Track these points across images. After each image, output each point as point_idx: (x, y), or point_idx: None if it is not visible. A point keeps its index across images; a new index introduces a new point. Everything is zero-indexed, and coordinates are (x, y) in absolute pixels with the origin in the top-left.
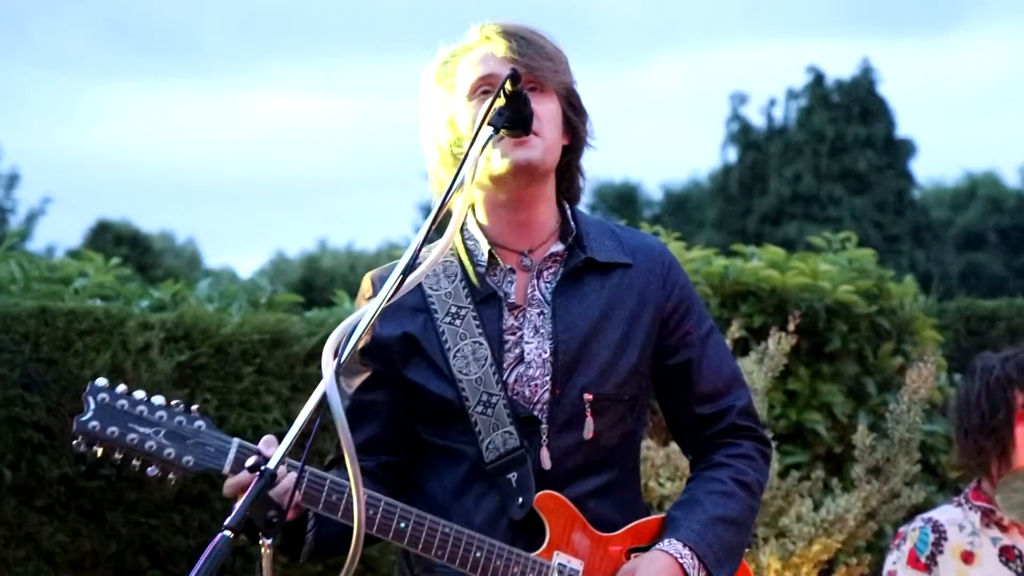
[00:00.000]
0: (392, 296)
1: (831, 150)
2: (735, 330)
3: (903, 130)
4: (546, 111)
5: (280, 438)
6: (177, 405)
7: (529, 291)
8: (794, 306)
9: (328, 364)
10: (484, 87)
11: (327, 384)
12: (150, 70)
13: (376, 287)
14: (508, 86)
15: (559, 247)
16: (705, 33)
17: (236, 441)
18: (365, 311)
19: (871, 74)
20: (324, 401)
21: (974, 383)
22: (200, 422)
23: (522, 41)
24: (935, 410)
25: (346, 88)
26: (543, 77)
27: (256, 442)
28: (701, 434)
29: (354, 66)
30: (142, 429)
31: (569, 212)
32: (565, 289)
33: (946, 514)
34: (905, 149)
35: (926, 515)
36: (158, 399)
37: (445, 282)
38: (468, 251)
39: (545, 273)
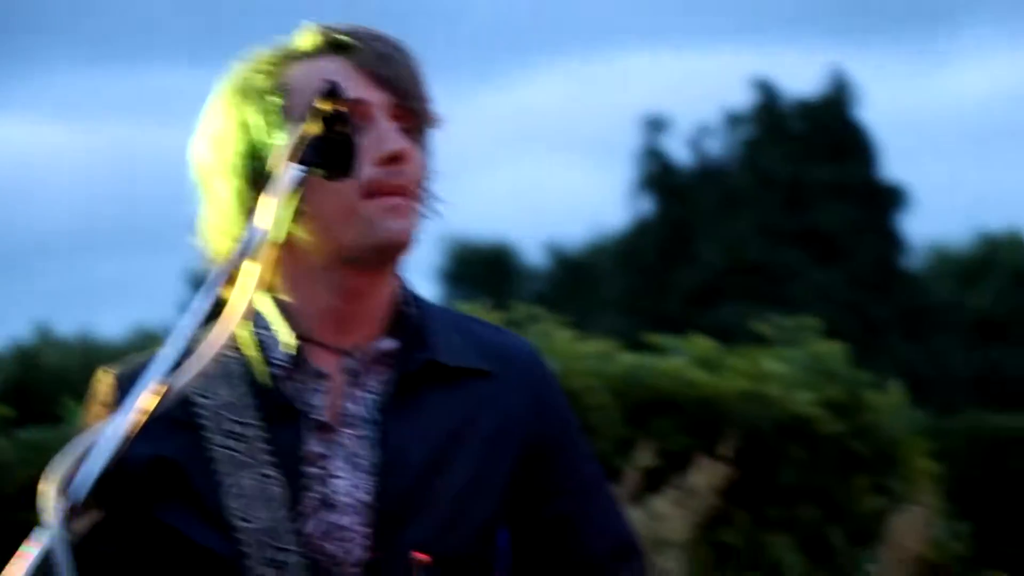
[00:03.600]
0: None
1: (787, 200)
2: (645, 457)
3: (891, 172)
4: (419, 161)
5: None
6: None
7: (345, 405)
8: (731, 423)
9: (53, 508)
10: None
11: (52, 538)
12: None
13: (123, 389)
14: (323, 104)
15: (390, 343)
16: (604, 34)
17: None
18: (107, 427)
19: (845, 91)
20: (46, 565)
21: None
22: None
23: (392, 56)
24: (929, 573)
25: (71, 108)
26: (422, 114)
27: None
28: None
29: (82, 76)
30: None
31: (408, 295)
32: (397, 405)
33: None
34: (893, 199)
35: None
36: None
37: (223, 388)
38: (260, 343)
39: (369, 381)
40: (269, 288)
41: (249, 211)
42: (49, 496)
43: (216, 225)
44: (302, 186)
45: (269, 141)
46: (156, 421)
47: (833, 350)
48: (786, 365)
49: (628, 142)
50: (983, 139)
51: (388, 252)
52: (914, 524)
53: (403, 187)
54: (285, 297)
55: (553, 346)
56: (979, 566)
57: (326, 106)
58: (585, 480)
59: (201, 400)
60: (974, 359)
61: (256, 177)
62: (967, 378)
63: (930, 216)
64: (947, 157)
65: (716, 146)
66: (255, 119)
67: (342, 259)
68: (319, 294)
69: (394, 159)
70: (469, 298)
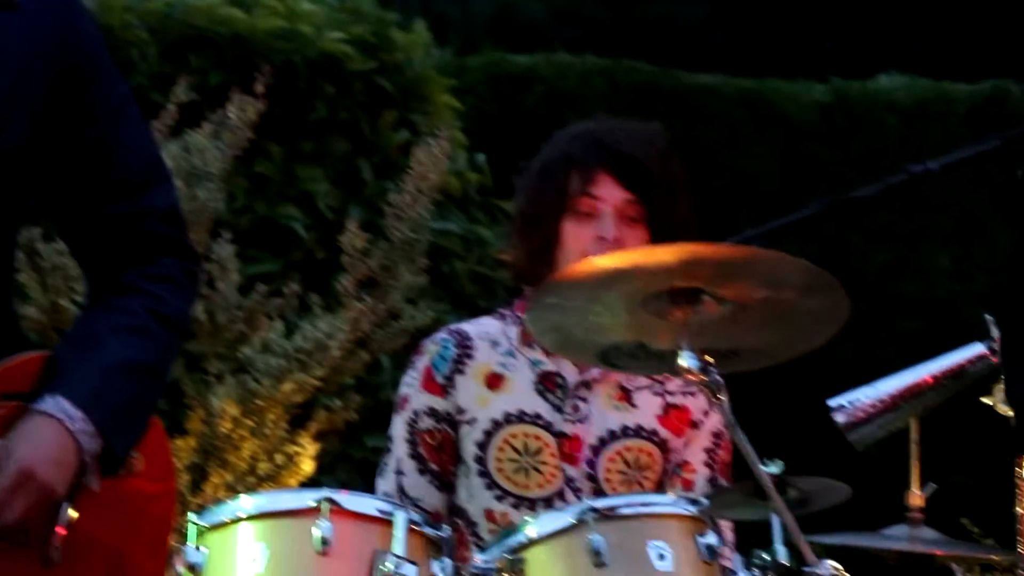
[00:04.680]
0: None
1: None
2: (182, 92)
3: None
4: None
5: None
6: None
7: None
8: (264, 59)
9: None
10: None
11: None
12: None
13: None
14: None
15: None
16: None
17: None
18: None
19: None
20: None
21: (540, 155)
22: None
23: None
24: (450, 202)
25: None
26: None
27: None
28: (106, 245)
29: None
30: None
31: None
32: None
33: (480, 326)
34: None
35: (455, 325)
36: None
37: None
38: None
39: None
40: None
41: None
42: None
43: None
44: None
45: None
46: None
47: None
48: (318, 5)
49: None
50: None
51: None
52: (436, 156)
53: None
54: None
55: None
56: (494, 196)
57: None
58: (114, 106)
59: None
60: (490, 1)
61: None
62: (487, 18)
63: None
64: None
65: None
66: None
67: None
68: None
69: None
70: None
